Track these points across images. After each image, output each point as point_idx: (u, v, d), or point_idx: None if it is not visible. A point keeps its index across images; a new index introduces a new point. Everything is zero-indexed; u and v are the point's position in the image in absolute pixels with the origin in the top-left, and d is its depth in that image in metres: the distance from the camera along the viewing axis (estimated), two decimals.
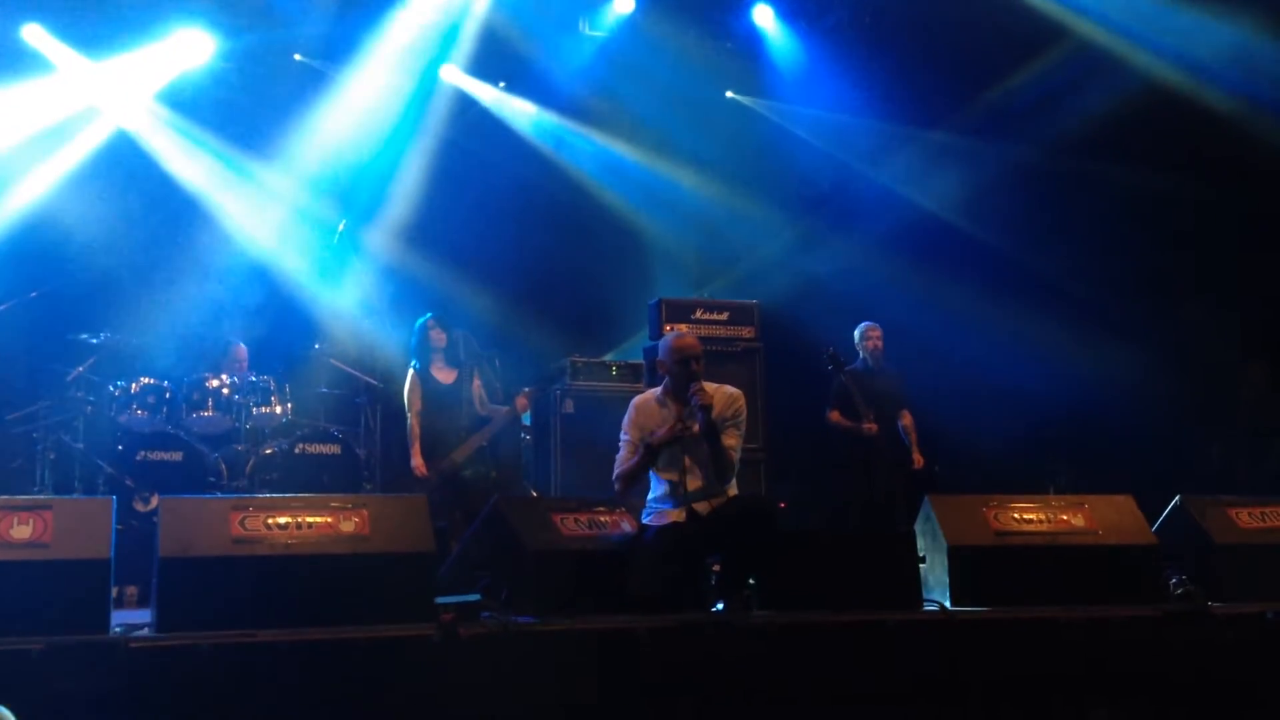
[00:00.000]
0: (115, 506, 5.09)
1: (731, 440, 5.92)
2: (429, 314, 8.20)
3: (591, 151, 11.27)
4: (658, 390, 6.11)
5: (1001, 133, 10.73)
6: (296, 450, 8.32)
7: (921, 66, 10.82)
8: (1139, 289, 10.38)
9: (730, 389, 6.07)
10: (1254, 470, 9.65)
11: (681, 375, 5.93)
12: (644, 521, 5.96)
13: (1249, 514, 6.61)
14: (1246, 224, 10.19)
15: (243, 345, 8.88)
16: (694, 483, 5.87)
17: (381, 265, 10.33)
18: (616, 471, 6.02)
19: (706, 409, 5.78)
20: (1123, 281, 10.44)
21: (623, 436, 6.07)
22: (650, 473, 5.99)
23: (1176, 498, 6.67)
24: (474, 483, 7.89)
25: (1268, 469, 9.57)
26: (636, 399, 6.18)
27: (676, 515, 5.84)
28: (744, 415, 6.01)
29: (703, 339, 9.04)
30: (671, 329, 9.05)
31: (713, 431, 5.82)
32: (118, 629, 4.80)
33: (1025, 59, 10.38)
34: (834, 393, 8.77)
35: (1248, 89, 9.67)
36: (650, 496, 6.02)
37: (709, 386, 5.94)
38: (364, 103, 10.50)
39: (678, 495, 5.87)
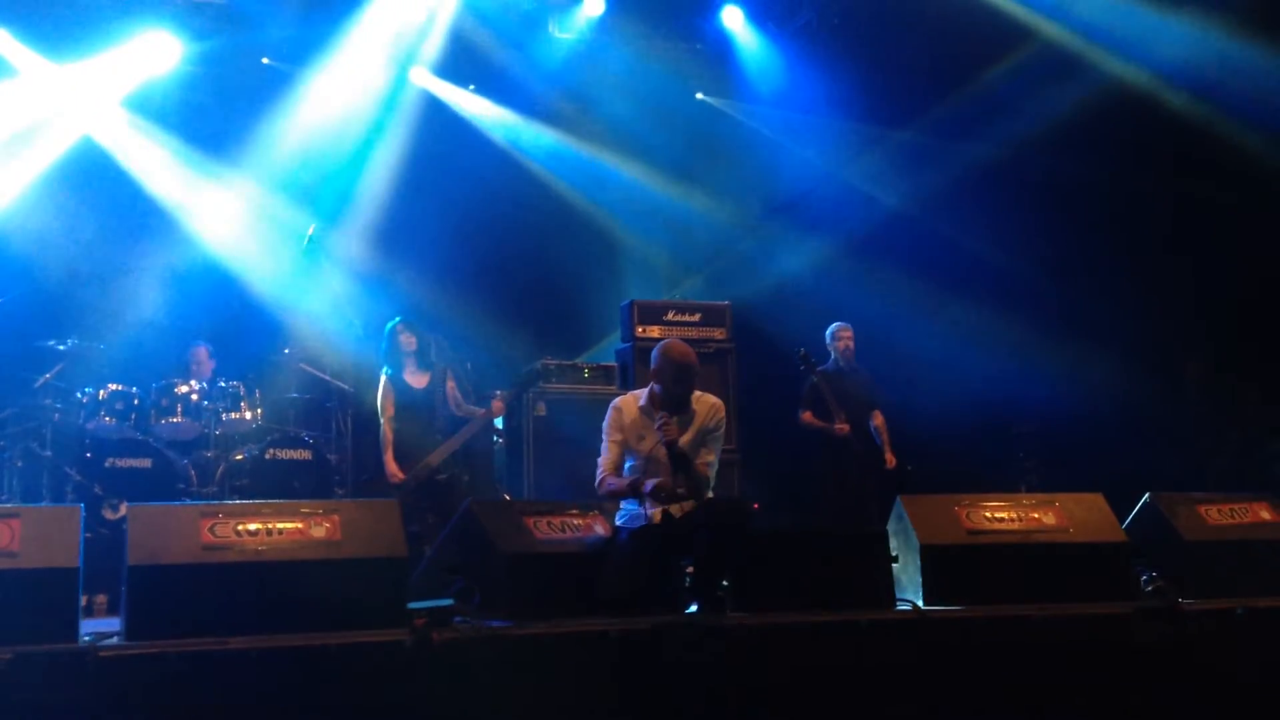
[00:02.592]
0: (84, 514, 5.05)
1: (709, 456, 5.96)
2: (397, 318, 8.12)
3: (561, 153, 11.26)
4: (642, 394, 6.06)
5: (970, 132, 10.78)
6: (267, 456, 8.27)
7: (890, 67, 10.87)
8: (1106, 288, 10.45)
9: (712, 398, 6.08)
10: (1215, 466, 9.74)
11: (673, 390, 5.90)
12: (618, 523, 5.95)
13: (1218, 511, 6.67)
14: (1211, 222, 10.27)
15: (204, 346, 8.82)
16: (669, 486, 5.86)
17: (351, 268, 10.29)
18: (600, 478, 5.98)
19: (672, 444, 5.77)
20: (1089, 280, 10.51)
21: (604, 438, 6.04)
22: (626, 472, 5.98)
23: (1146, 495, 6.72)
24: (447, 486, 7.85)
25: (1225, 464, 9.67)
26: (619, 400, 6.15)
27: (652, 517, 5.82)
28: (724, 427, 6.05)
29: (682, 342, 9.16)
30: (643, 331, 9.07)
31: (683, 463, 5.81)
32: (87, 638, 4.75)
33: (993, 59, 10.43)
34: (806, 393, 8.79)
35: (1206, 89, 9.75)
36: (626, 500, 6.02)
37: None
38: (332, 106, 10.46)
39: (655, 496, 5.86)
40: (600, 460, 6.02)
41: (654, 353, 6.08)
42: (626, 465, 6.00)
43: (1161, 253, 10.31)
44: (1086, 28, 10.02)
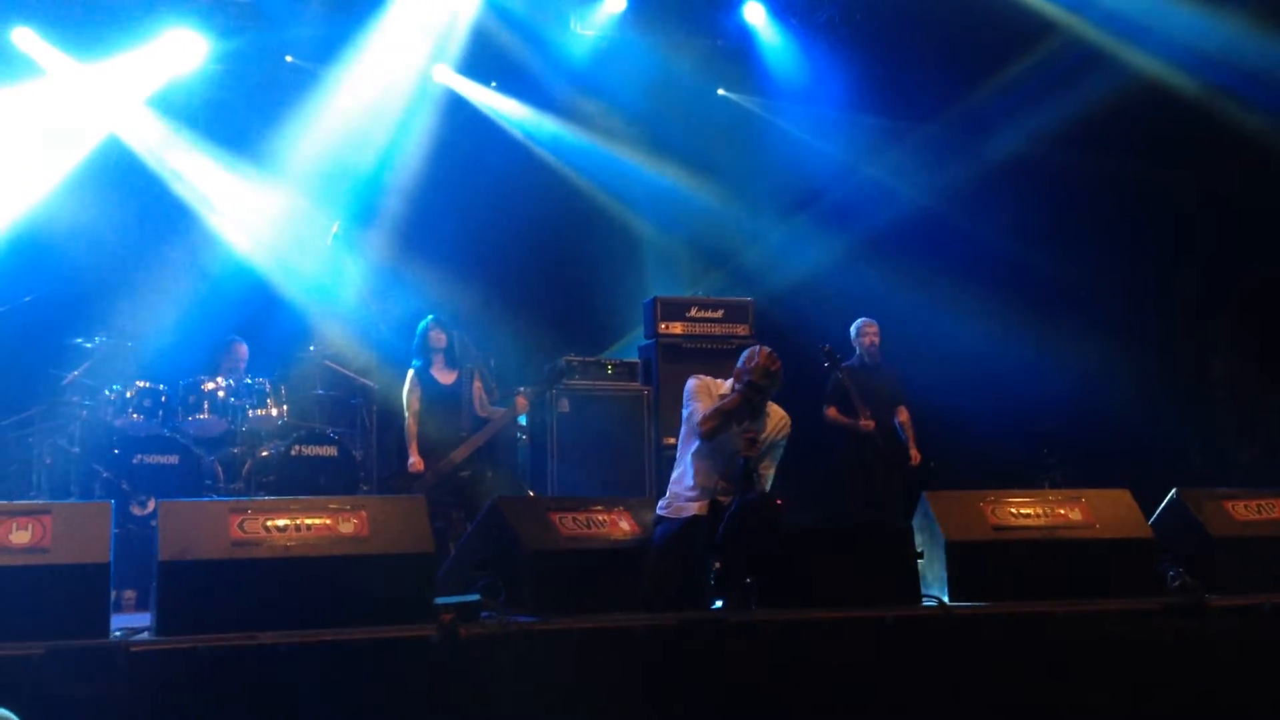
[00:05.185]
0: (114, 510, 5.10)
1: (769, 470, 6.10)
2: (430, 315, 8.23)
3: (584, 150, 11.24)
4: (725, 384, 6.18)
5: (994, 127, 10.75)
6: (293, 452, 8.29)
7: (914, 61, 10.84)
8: (1132, 283, 10.40)
9: (781, 412, 6.24)
10: (1241, 460, 9.70)
11: (757, 398, 6.02)
12: (660, 512, 6.00)
13: (1244, 506, 6.64)
14: (1231, 216, 10.22)
15: (244, 344, 8.90)
16: (729, 484, 5.96)
17: (375, 266, 10.33)
18: (705, 415, 6.02)
19: (749, 460, 5.92)
20: (1115, 275, 10.46)
21: (695, 401, 6.12)
22: (689, 461, 6.08)
23: (1172, 491, 6.70)
24: (471, 483, 7.90)
25: (1253, 458, 9.63)
26: (705, 378, 6.25)
27: (699, 508, 5.90)
28: (787, 441, 6.20)
29: (697, 337, 9.21)
30: (666, 327, 9.09)
31: (752, 480, 5.94)
32: (118, 633, 4.80)
33: (1017, 53, 10.39)
34: (830, 389, 8.77)
35: (1234, 84, 9.70)
36: (675, 481, 6.07)
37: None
38: (356, 104, 10.49)
39: (711, 490, 5.94)
40: (699, 413, 6.06)
41: (745, 352, 6.21)
42: (693, 446, 6.07)
43: (1188, 248, 10.27)
44: (1110, 21, 9.98)
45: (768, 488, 6.07)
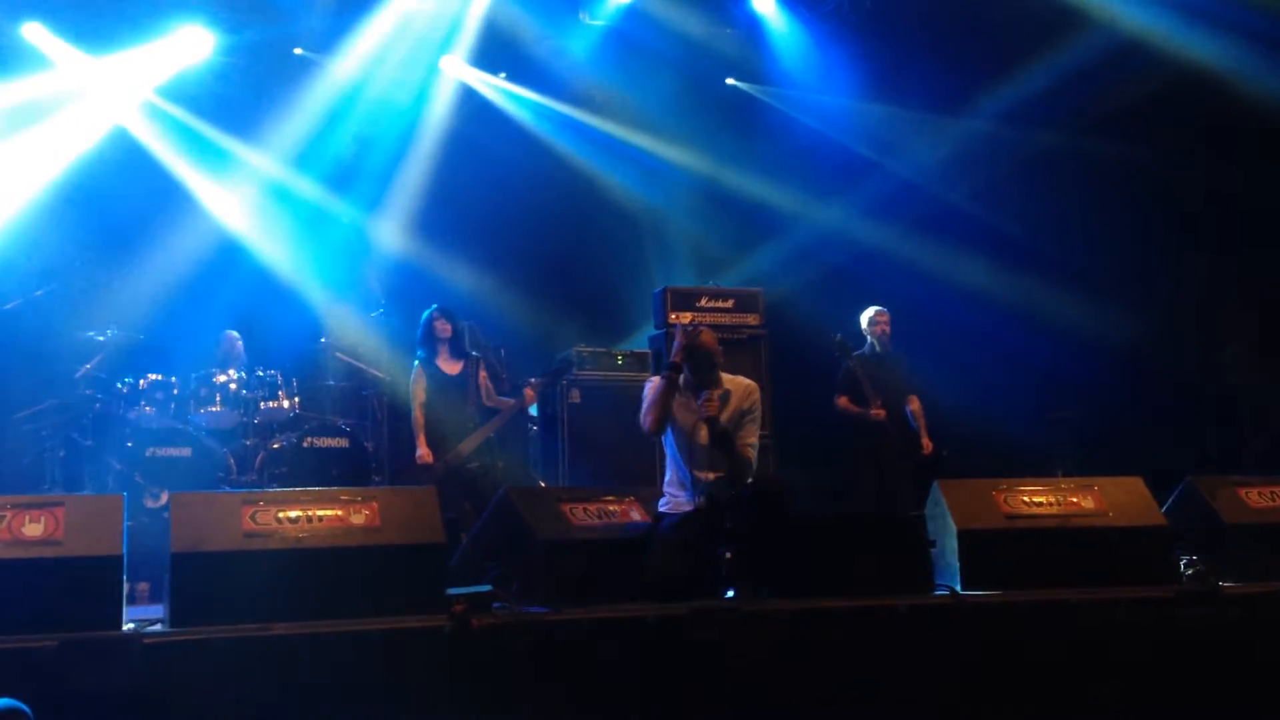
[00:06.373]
0: (126, 503, 5.11)
1: (751, 437, 6.03)
2: (434, 306, 8.22)
3: (594, 140, 11.25)
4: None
5: (1006, 115, 10.70)
6: (305, 444, 8.32)
7: (924, 50, 10.81)
8: (1143, 270, 10.36)
9: (746, 381, 6.17)
10: (1254, 447, 9.67)
11: (700, 372, 5.98)
12: (660, 510, 5.99)
13: (1258, 493, 6.62)
14: (1246, 204, 10.17)
15: (233, 331, 8.93)
16: (710, 472, 5.91)
17: (386, 257, 10.34)
18: (641, 416, 6.07)
19: (713, 420, 5.85)
20: (1129, 264, 10.42)
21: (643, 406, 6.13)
22: (669, 459, 6.04)
23: (1186, 478, 6.67)
24: (481, 474, 7.90)
25: (1263, 446, 9.61)
26: (655, 379, 6.22)
27: (694, 503, 5.90)
28: (759, 408, 6.10)
29: (708, 327, 9.17)
30: (676, 318, 9.08)
31: (725, 441, 5.89)
32: (131, 625, 4.81)
33: (1029, 41, 10.34)
34: (842, 378, 8.76)
35: (1255, 68, 9.64)
36: (667, 484, 6.05)
37: (724, 378, 6.01)
38: (365, 96, 10.50)
39: (695, 483, 5.90)
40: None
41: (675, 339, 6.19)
42: (667, 444, 6.07)
43: (1202, 235, 10.22)
44: (1124, 8, 9.92)
45: (754, 460, 6.03)
